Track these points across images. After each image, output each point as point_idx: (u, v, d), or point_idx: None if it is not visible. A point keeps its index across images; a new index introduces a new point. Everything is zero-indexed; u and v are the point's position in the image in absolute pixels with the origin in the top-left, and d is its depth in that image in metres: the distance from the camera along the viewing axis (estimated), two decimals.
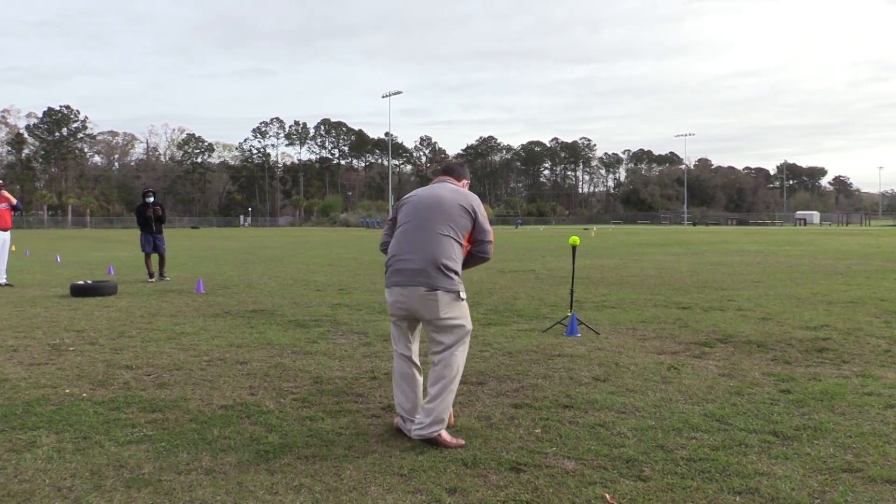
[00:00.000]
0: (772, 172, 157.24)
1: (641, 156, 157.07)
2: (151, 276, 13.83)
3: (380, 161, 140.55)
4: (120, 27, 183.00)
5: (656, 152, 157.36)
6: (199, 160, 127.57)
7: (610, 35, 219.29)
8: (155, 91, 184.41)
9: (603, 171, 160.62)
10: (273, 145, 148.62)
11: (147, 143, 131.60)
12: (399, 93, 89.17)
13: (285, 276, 14.73)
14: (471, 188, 4.47)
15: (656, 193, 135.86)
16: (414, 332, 4.15)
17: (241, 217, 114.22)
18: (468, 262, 4.24)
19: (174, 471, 3.52)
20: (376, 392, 5.06)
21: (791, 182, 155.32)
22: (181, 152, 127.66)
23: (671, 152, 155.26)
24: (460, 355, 4.02)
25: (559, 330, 7.61)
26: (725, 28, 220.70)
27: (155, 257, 14.09)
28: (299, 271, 16.22)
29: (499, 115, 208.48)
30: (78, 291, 11.07)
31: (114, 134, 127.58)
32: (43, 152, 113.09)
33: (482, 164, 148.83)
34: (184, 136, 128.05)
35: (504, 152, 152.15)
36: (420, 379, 4.12)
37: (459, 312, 3.99)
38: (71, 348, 6.75)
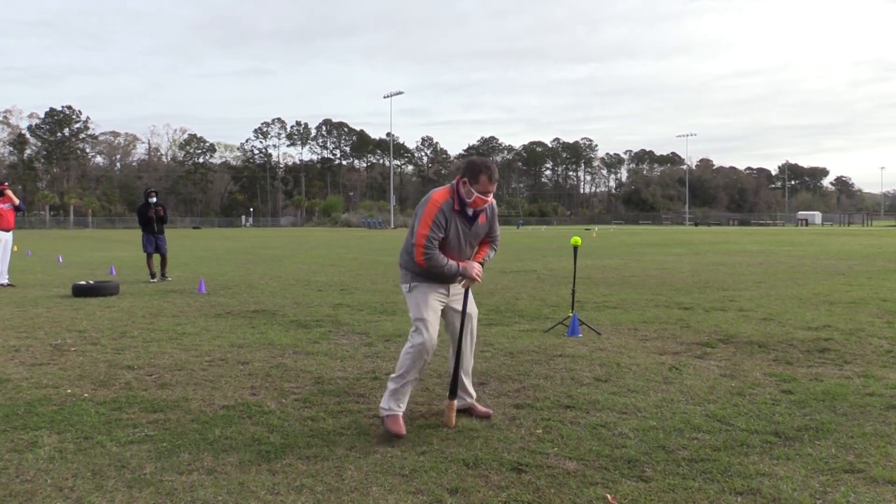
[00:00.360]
0: (773, 173, 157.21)
1: (643, 156, 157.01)
2: (153, 276, 13.84)
3: (381, 161, 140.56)
4: (118, 27, 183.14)
5: (658, 152, 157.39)
6: (201, 160, 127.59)
7: (610, 34, 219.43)
8: (155, 91, 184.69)
9: (604, 172, 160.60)
10: (275, 145, 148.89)
11: (149, 143, 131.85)
12: (400, 93, 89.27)
13: (287, 277, 14.74)
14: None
15: (658, 194, 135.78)
16: None
17: (243, 217, 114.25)
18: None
19: (176, 471, 3.53)
20: (378, 392, 5.06)
21: (793, 182, 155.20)
22: (183, 153, 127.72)
23: (673, 152, 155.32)
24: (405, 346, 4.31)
25: (561, 330, 7.61)
26: (726, 27, 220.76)
27: (157, 257, 14.10)
28: (301, 271, 16.22)
29: (499, 115, 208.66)
30: (80, 292, 11.08)
31: (115, 134, 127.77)
32: (45, 153, 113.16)
33: None
34: (185, 136, 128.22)
35: (505, 152, 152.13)
36: None
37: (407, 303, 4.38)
38: (73, 348, 6.76)
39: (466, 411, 4.45)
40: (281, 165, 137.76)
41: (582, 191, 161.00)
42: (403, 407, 4.22)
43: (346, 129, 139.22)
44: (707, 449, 3.80)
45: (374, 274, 15.22)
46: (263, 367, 5.91)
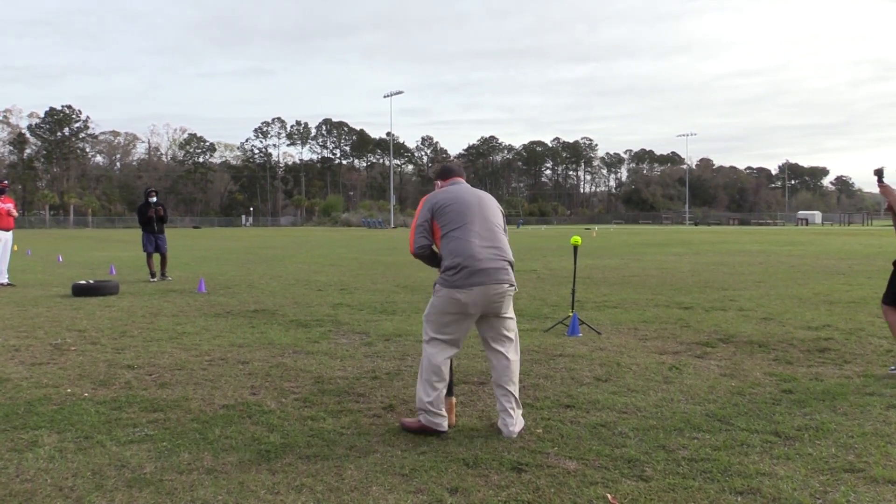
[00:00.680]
0: (773, 172, 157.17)
1: (643, 155, 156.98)
2: (153, 275, 13.84)
3: (381, 161, 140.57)
4: (117, 26, 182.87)
5: (658, 152, 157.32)
6: (201, 160, 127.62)
7: (610, 34, 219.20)
8: (154, 91, 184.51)
9: (604, 171, 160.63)
10: (275, 145, 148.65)
11: (149, 142, 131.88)
12: (401, 93, 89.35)
13: (287, 276, 14.74)
14: (477, 188, 4.51)
15: (658, 193, 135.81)
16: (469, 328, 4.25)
17: (243, 217, 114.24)
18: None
19: (176, 470, 3.53)
20: (378, 392, 5.06)
21: (793, 182, 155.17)
22: (183, 152, 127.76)
23: (673, 152, 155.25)
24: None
25: (561, 330, 7.61)
26: (725, 27, 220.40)
27: (157, 257, 14.10)
28: (301, 271, 16.22)
29: (499, 114, 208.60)
30: (80, 291, 11.08)
31: (115, 134, 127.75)
32: (45, 152, 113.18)
33: (484, 163, 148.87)
34: (185, 135, 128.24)
35: (505, 152, 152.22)
36: None
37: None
38: (73, 348, 6.76)
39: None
40: (281, 165, 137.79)
41: (582, 190, 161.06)
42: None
43: (345, 129, 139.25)
44: (707, 448, 3.80)
45: (374, 274, 15.22)
46: (263, 366, 5.91)
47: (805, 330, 7.59)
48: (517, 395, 4.17)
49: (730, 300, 10.16)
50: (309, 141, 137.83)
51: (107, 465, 3.60)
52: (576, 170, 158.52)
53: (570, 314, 7.70)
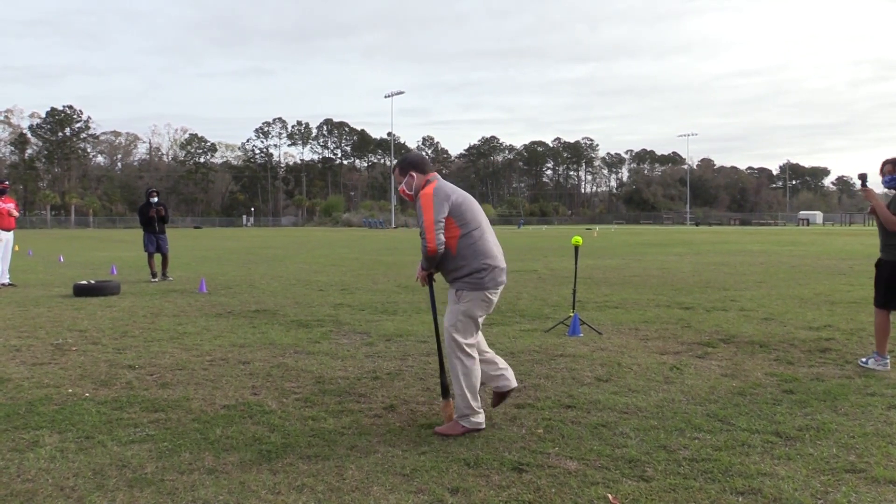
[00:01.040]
0: (774, 172, 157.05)
1: (644, 156, 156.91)
2: (154, 276, 13.85)
3: (382, 161, 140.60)
4: (117, 26, 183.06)
5: (659, 152, 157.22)
6: (202, 160, 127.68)
7: (610, 34, 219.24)
8: (154, 91, 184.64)
9: (605, 171, 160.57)
10: (276, 145, 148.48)
11: (150, 143, 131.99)
12: (401, 93, 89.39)
13: (288, 277, 14.74)
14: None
15: (659, 193, 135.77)
16: None
17: (244, 217, 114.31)
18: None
19: (177, 470, 3.53)
20: (378, 392, 5.07)
21: (794, 182, 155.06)
22: (184, 152, 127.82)
23: (674, 152, 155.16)
24: None
25: (561, 330, 7.61)
26: (726, 27, 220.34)
27: (158, 257, 14.10)
28: (302, 271, 16.23)
29: (499, 114, 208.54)
30: (81, 291, 11.09)
31: (117, 134, 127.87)
32: (46, 152, 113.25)
33: (485, 163, 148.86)
34: (186, 136, 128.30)
35: (506, 152, 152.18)
36: None
37: None
38: (74, 348, 6.77)
39: None
40: (282, 165, 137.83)
41: (583, 190, 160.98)
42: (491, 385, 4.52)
43: (346, 129, 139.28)
44: (708, 449, 3.80)
45: (376, 274, 15.22)
46: (264, 366, 5.91)
47: (806, 330, 7.58)
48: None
49: (731, 300, 10.15)
50: (310, 141, 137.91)
51: (108, 465, 3.60)
52: (577, 170, 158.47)
53: (571, 314, 7.70)
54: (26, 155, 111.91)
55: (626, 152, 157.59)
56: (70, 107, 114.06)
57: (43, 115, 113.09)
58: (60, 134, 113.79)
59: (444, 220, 4.10)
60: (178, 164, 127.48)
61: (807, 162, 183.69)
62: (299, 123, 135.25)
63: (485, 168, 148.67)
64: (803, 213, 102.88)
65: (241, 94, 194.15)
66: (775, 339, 7.04)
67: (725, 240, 35.66)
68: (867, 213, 5.90)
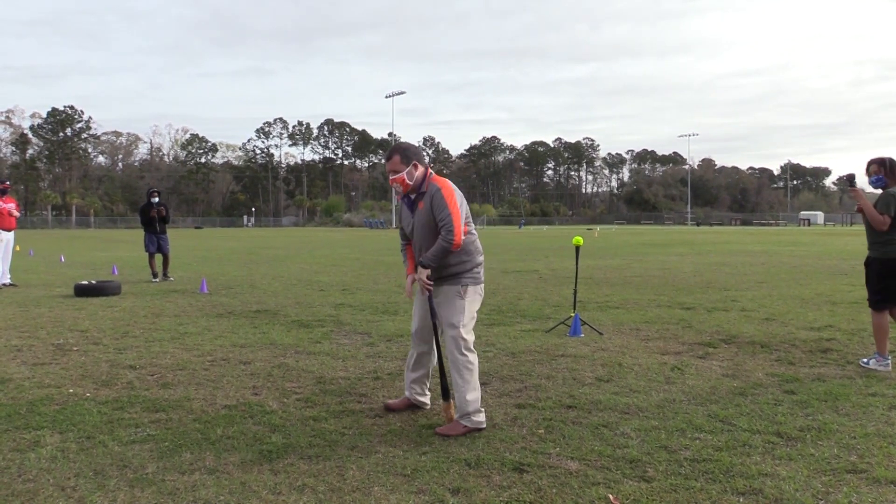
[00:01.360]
0: (776, 172, 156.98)
1: (645, 156, 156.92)
2: (155, 276, 13.85)
3: (383, 161, 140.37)
4: (116, 26, 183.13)
5: (660, 152, 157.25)
6: (203, 160, 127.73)
7: (611, 33, 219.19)
8: (155, 91, 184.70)
9: (606, 172, 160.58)
10: (276, 145, 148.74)
11: (151, 143, 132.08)
12: (402, 93, 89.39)
13: (289, 277, 14.74)
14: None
15: (660, 194, 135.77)
16: None
17: (245, 217, 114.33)
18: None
19: (177, 470, 3.53)
20: (379, 392, 5.07)
21: (795, 182, 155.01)
22: (185, 152, 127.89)
23: (675, 152, 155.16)
24: None
25: (562, 330, 7.60)
26: (727, 27, 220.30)
27: (159, 257, 14.11)
28: (302, 271, 16.23)
29: (500, 114, 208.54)
30: (82, 291, 11.09)
31: (118, 134, 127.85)
32: (47, 152, 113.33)
33: (485, 164, 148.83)
34: (187, 136, 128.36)
35: (507, 152, 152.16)
36: None
37: None
38: (75, 348, 6.77)
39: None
40: (283, 165, 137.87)
41: (584, 191, 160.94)
42: (408, 391, 4.63)
43: (347, 129, 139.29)
44: (709, 449, 3.80)
45: (376, 274, 15.22)
46: (265, 366, 5.91)
47: (807, 330, 7.58)
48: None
49: (732, 301, 10.15)
50: (311, 141, 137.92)
51: (109, 465, 3.60)
52: (578, 170, 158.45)
53: (572, 315, 7.69)
54: (27, 155, 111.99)
55: (627, 152, 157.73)
56: (71, 107, 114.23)
57: (44, 116, 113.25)
58: (61, 134, 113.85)
59: (466, 217, 4.23)
60: (179, 165, 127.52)
61: (808, 162, 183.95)
62: (300, 124, 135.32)
63: (485, 168, 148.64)
64: (804, 214, 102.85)
65: (242, 94, 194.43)
66: (776, 340, 7.03)
67: (726, 240, 35.65)
68: (855, 211, 5.98)
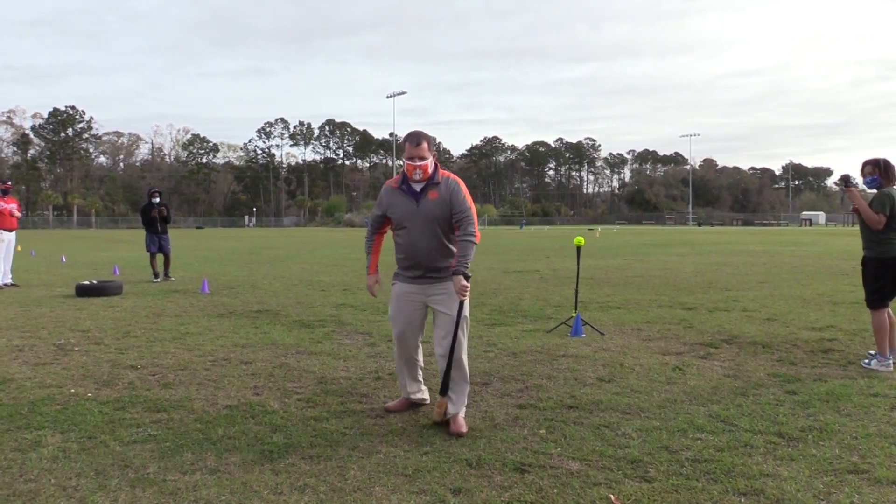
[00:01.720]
0: (777, 173, 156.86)
1: (646, 156, 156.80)
2: (157, 276, 13.86)
3: (384, 161, 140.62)
4: (116, 26, 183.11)
5: (661, 152, 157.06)
6: (204, 160, 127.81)
7: (611, 33, 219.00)
8: (155, 91, 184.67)
9: (608, 172, 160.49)
10: (278, 146, 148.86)
11: (152, 143, 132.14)
12: (403, 93, 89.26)
13: (290, 277, 14.75)
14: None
15: (661, 194, 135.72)
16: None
17: (246, 217, 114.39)
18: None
19: (179, 470, 3.53)
20: (381, 392, 5.06)
21: (796, 182, 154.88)
22: (186, 153, 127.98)
23: (676, 152, 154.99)
24: None
25: (564, 330, 7.60)
26: (727, 26, 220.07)
27: (160, 257, 14.12)
28: (304, 272, 16.23)
29: (500, 114, 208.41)
30: (83, 291, 11.10)
31: (119, 134, 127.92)
32: (48, 153, 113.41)
33: (486, 164, 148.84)
34: (188, 136, 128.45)
35: (508, 152, 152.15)
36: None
37: None
38: (76, 348, 6.77)
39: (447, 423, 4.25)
40: (284, 165, 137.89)
41: (585, 191, 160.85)
42: (405, 392, 4.61)
43: (348, 129, 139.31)
44: (710, 449, 3.80)
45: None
46: (266, 366, 5.91)
47: (809, 331, 7.57)
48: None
49: (733, 301, 10.14)
50: (312, 141, 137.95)
51: (110, 465, 3.60)
52: (579, 170, 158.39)
53: (574, 315, 7.69)
54: (29, 155, 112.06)
55: (629, 152, 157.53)
56: (72, 107, 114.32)
57: (45, 116, 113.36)
58: (63, 134, 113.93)
59: None
60: (181, 165, 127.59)
61: (809, 162, 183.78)
62: (301, 124, 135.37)
63: (487, 168, 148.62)
64: (806, 214, 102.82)
65: (243, 95, 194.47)
66: (778, 340, 7.03)
67: (728, 240, 35.63)
68: (850, 210, 6.06)
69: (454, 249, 4.22)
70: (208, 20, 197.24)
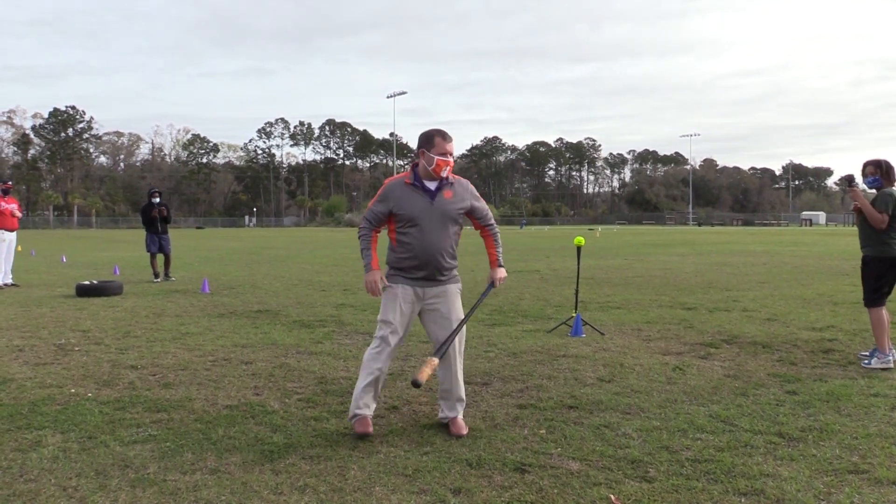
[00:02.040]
0: (777, 173, 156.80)
1: (646, 156, 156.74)
2: (157, 276, 13.86)
3: (384, 161, 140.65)
4: (116, 26, 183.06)
5: (661, 152, 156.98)
6: (205, 160, 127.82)
7: (611, 33, 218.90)
8: (155, 91, 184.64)
9: (608, 172, 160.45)
10: (278, 146, 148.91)
11: (152, 143, 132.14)
12: (404, 93, 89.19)
13: (290, 277, 14.75)
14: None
15: (661, 194, 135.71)
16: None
17: (246, 217, 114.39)
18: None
19: (179, 471, 3.53)
20: (381, 393, 5.06)
21: (797, 182, 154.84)
22: (186, 153, 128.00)
23: (676, 152, 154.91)
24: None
25: (564, 330, 7.60)
26: (727, 26, 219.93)
27: (160, 257, 14.12)
28: (304, 272, 16.23)
29: (501, 114, 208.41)
30: (83, 291, 11.10)
31: (119, 134, 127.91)
32: (49, 153, 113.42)
33: (487, 164, 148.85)
34: (189, 136, 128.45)
35: (509, 152, 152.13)
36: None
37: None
38: (76, 348, 6.77)
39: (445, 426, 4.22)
40: (284, 165, 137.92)
41: (585, 191, 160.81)
42: (367, 410, 4.14)
43: (349, 129, 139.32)
44: (711, 449, 3.79)
45: None
46: (267, 367, 5.91)
47: (809, 331, 7.57)
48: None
49: (733, 301, 10.14)
50: (312, 141, 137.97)
51: (110, 466, 3.60)
52: (579, 170, 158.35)
53: (574, 315, 7.69)
54: (29, 155, 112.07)
55: (629, 152, 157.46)
56: (72, 107, 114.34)
57: (45, 116, 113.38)
58: (63, 134, 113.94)
59: None
60: (181, 165, 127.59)
61: (810, 162, 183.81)
62: (301, 124, 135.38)
63: (487, 168, 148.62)
64: (806, 214, 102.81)
65: (243, 95, 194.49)
66: (778, 340, 7.03)
67: (728, 240, 35.63)
68: (851, 210, 6.10)
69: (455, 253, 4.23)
70: (208, 20, 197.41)
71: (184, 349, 6.71)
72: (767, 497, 3.18)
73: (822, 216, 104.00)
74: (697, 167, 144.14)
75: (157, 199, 14.17)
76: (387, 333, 4.14)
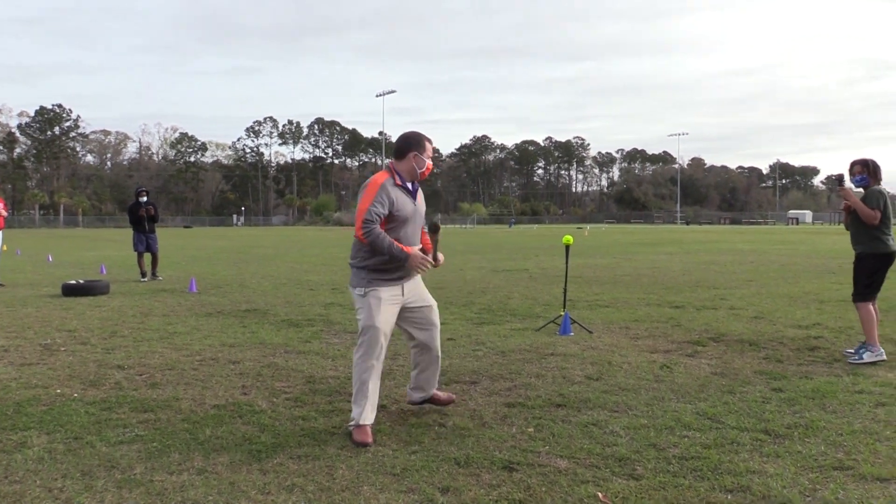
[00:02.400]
0: (764, 172, 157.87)
1: (635, 155, 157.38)
2: (144, 275, 13.78)
3: (373, 160, 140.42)
4: (105, 24, 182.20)
5: (650, 151, 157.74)
6: (192, 159, 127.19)
7: (601, 33, 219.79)
8: (143, 89, 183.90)
9: (597, 171, 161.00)
10: (266, 144, 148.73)
11: (140, 142, 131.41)
12: (393, 92, 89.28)
13: (278, 276, 14.70)
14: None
15: (650, 193, 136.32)
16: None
17: (234, 216, 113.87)
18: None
19: (166, 471, 3.51)
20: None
21: (784, 181, 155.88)
22: (174, 151, 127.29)
23: (665, 151, 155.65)
24: (354, 354, 4.22)
25: (552, 329, 7.62)
26: (717, 26, 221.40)
27: (147, 257, 14.03)
28: (292, 271, 16.18)
29: (490, 113, 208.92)
30: (70, 291, 11.02)
31: (106, 133, 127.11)
32: (35, 151, 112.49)
33: (476, 163, 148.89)
34: (177, 135, 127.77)
35: (498, 151, 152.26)
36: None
37: (358, 306, 4.20)
38: (62, 348, 6.72)
39: (430, 401, 4.52)
40: (272, 164, 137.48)
41: (574, 190, 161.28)
42: (368, 419, 4.06)
43: (338, 128, 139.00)
44: (697, 447, 3.82)
45: None
46: (254, 366, 5.89)
47: (795, 328, 7.62)
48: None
49: (721, 299, 10.20)
50: (301, 140, 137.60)
51: (96, 466, 3.58)
52: (568, 169, 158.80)
53: (562, 313, 7.71)
54: (15, 154, 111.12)
55: (617, 151, 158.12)
56: (59, 105, 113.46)
57: (32, 114, 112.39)
58: (49, 133, 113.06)
59: None
60: (169, 164, 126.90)
61: (796, 161, 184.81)
62: (290, 123, 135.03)
63: (476, 167, 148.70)
64: (793, 213, 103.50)
65: (232, 93, 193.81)
66: (764, 338, 7.07)
67: (715, 239, 35.82)
68: (841, 209, 6.20)
69: None
70: (197, 19, 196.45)
71: (171, 349, 6.67)
72: (753, 493, 3.20)
73: (808, 215, 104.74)
74: (685, 166, 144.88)
75: (145, 198, 14.09)
76: (375, 336, 4.12)
